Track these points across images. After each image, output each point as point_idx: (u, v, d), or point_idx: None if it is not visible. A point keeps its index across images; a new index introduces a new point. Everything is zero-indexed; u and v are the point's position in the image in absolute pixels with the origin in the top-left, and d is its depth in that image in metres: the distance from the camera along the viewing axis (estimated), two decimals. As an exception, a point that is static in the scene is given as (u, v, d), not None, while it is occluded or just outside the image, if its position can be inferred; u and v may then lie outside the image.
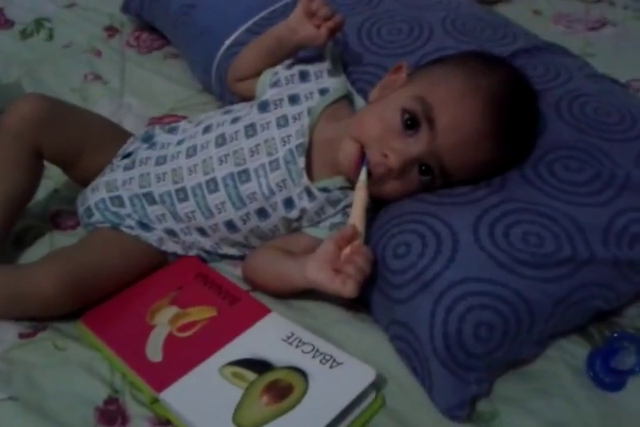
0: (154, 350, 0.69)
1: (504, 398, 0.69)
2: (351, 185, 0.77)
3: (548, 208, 0.72)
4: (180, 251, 0.81)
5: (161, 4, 1.13)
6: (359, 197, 0.73)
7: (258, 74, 0.86)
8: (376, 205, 0.78)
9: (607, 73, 1.07)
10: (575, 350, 0.73)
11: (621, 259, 0.71)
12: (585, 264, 0.70)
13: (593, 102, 0.83)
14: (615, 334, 0.74)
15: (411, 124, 0.72)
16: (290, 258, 0.76)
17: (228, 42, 1.00)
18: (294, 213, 0.78)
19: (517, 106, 0.74)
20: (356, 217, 0.72)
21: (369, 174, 0.73)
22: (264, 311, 0.73)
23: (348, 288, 0.68)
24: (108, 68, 1.14)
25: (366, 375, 0.65)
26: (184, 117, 1.04)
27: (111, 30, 1.23)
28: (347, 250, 0.71)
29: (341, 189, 0.78)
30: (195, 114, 1.04)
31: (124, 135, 0.88)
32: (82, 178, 0.86)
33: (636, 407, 0.69)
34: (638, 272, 0.73)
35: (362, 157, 0.74)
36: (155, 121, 1.04)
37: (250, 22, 1.00)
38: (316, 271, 0.70)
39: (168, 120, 1.04)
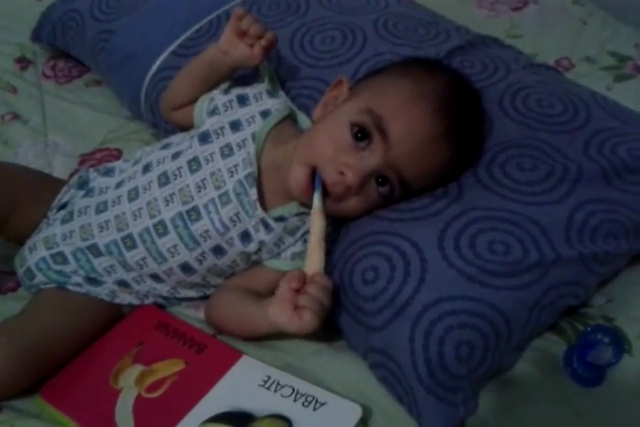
0: (124, 418, 0.64)
1: (491, 411, 0.67)
2: (307, 210, 0.74)
3: (509, 212, 0.72)
4: (135, 301, 0.77)
5: (76, 32, 1.06)
6: (316, 224, 0.70)
7: (193, 101, 0.82)
8: (337, 225, 0.76)
9: (535, 53, 1.08)
10: (551, 349, 0.73)
11: (586, 254, 0.71)
12: (552, 265, 0.69)
13: (534, 95, 0.82)
14: (588, 328, 0.73)
15: (362, 136, 0.69)
16: (253, 302, 0.72)
17: (154, 67, 0.95)
18: (252, 247, 0.74)
19: (463, 107, 0.73)
20: (314, 246, 0.69)
21: (326, 195, 0.70)
22: (235, 356, 0.69)
23: (306, 321, 0.65)
24: (27, 105, 1.06)
25: (352, 413, 0.63)
26: (118, 150, 0.99)
27: (23, 62, 1.15)
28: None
29: (297, 215, 0.75)
30: (129, 145, 1.00)
31: (56, 184, 0.82)
32: (16, 236, 0.80)
33: (620, 399, 0.69)
34: (602, 264, 0.73)
35: (313, 181, 0.70)
36: (86, 158, 0.98)
37: (175, 44, 0.95)
38: (277, 313, 0.66)
39: (100, 155, 0.98)
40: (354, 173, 0.69)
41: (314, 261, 0.69)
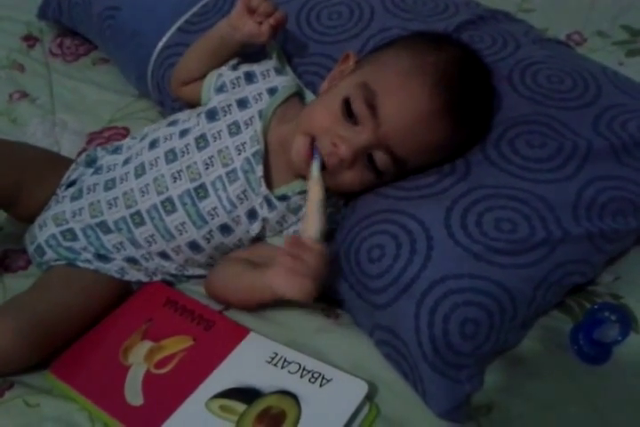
0: (133, 393, 0.65)
1: (497, 388, 0.68)
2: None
3: (516, 190, 0.71)
4: (143, 278, 0.77)
5: (82, 8, 1.05)
6: (313, 192, 0.70)
7: (203, 76, 0.82)
8: (341, 204, 0.76)
9: (547, 28, 1.06)
10: (557, 326, 0.73)
11: (593, 232, 0.70)
12: (559, 243, 0.69)
13: (544, 70, 0.81)
14: (595, 306, 0.73)
15: (349, 113, 0.69)
16: (252, 270, 0.72)
17: (160, 44, 0.94)
18: (257, 226, 0.74)
19: (467, 82, 0.71)
20: (311, 213, 0.69)
21: (324, 167, 0.70)
22: (243, 333, 0.70)
23: (304, 288, 0.65)
24: (34, 84, 1.06)
25: (358, 389, 0.63)
26: (125, 129, 0.99)
27: (30, 40, 1.15)
28: None
29: (300, 193, 0.75)
30: (136, 123, 1.00)
31: (64, 162, 0.83)
32: (26, 215, 0.80)
33: (625, 377, 0.69)
34: (610, 241, 0.72)
35: (312, 152, 0.71)
36: (95, 136, 0.98)
37: (181, 20, 0.94)
38: (275, 279, 0.67)
39: (108, 134, 0.98)
40: (347, 146, 0.68)
41: (310, 228, 0.68)
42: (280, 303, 0.72)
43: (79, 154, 0.91)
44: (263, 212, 0.74)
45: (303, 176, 0.73)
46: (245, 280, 0.72)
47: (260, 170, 0.73)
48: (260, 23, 0.76)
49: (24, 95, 1.05)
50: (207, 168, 0.73)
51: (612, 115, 0.77)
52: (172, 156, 0.75)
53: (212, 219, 0.73)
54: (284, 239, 0.69)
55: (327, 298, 0.73)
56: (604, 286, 0.76)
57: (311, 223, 0.69)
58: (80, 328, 0.72)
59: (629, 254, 0.78)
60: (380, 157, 0.70)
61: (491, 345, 0.66)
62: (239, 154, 0.73)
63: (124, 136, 0.97)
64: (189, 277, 0.80)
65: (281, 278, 0.66)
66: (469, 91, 0.71)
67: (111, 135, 0.98)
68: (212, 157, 0.74)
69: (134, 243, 0.75)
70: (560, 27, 1.12)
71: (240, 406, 0.63)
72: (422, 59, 0.69)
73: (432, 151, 0.71)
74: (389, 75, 0.69)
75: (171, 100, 0.93)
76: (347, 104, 0.69)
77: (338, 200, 0.76)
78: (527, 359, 0.70)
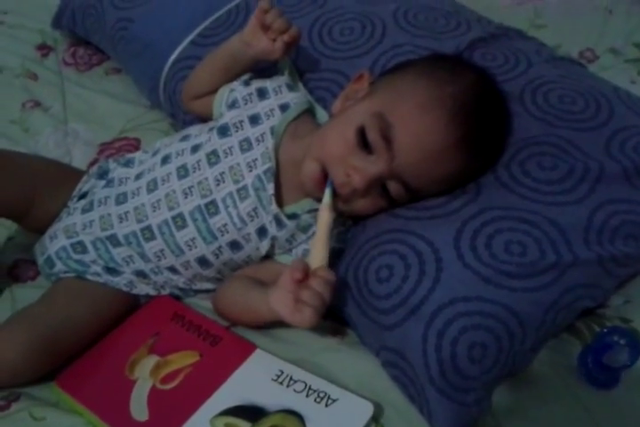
0: (139, 408, 0.65)
1: (504, 411, 0.67)
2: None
3: (527, 212, 0.70)
4: (152, 292, 0.77)
5: (95, 19, 1.06)
6: (323, 219, 0.70)
7: (214, 91, 0.82)
8: (350, 224, 0.76)
9: (559, 44, 1.06)
10: (566, 349, 0.72)
11: (604, 256, 0.70)
12: (570, 267, 0.68)
13: (556, 90, 0.81)
14: (605, 330, 0.73)
15: (365, 143, 0.69)
16: (257, 289, 0.72)
17: (172, 57, 0.94)
18: (267, 243, 0.74)
19: (485, 113, 0.71)
20: (320, 240, 0.69)
21: (336, 194, 0.70)
22: (249, 349, 0.70)
23: (306, 317, 0.64)
24: (47, 93, 1.07)
25: (364, 410, 0.63)
26: (136, 140, 1.00)
27: (44, 49, 1.15)
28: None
29: (310, 212, 0.75)
30: (147, 134, 1.00)
31: (75, 174, 0.83)
32: (37, 226, 0.81)
33: (634, 402, 0.68)
34: (621, 266, 0.72)
35: (324, 177, 0.71)
36: (105, 147, 0.98)
37: (194, 34, 0.95)
38: (278, 304, 0.66)
39: (119, 144, 0.99)
40: (360, 177, 0.68)
41: (318, 255, 0.68)
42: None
43: (91, 164, 0.92)
44: (273, 230, 0.74)
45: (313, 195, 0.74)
46: (251, 300, 0.72)
47: (271, 188, 0.73)
48: (274, 40, 0.76)
49: (37, 104, 1.05)
50: (218, 184, 0.73)
51: (624, 137, 0.77)
52: (183, 171, 0.75)
53: (222, 235, 0.73)
54: (291, 263, 0.68)
55: (334, 317, 0.73)
56: (613, 309, 0.76)
57: (319, 249, 0.68)
58: (88, 341, 0.72)
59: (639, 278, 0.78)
60: (394, 187, 0.70)
61: (499, 369, 0.65)
62: (250, 171, 0.73)
63: (135, 147, 0.98)
64: (197, 292, 0.80)
65: (284, 305, 0.65)
66: (486, 124, 0.71)
67: (122, 146, 0.98)
68: (224, 173, 0.74)
69: (144, 257, 0.75)
70: (572, 43, 1.12)
71: (245, 425, 0.63)
72: (441, 90, 0.68)
73: (446, 181, 0.71)
74: (406, 106, 0.68)
75: (182, 112, 0.93)
76: (361, 132, 0.69)
77: (347, 219, 0.76)
78: (535, 383, 0.70)
